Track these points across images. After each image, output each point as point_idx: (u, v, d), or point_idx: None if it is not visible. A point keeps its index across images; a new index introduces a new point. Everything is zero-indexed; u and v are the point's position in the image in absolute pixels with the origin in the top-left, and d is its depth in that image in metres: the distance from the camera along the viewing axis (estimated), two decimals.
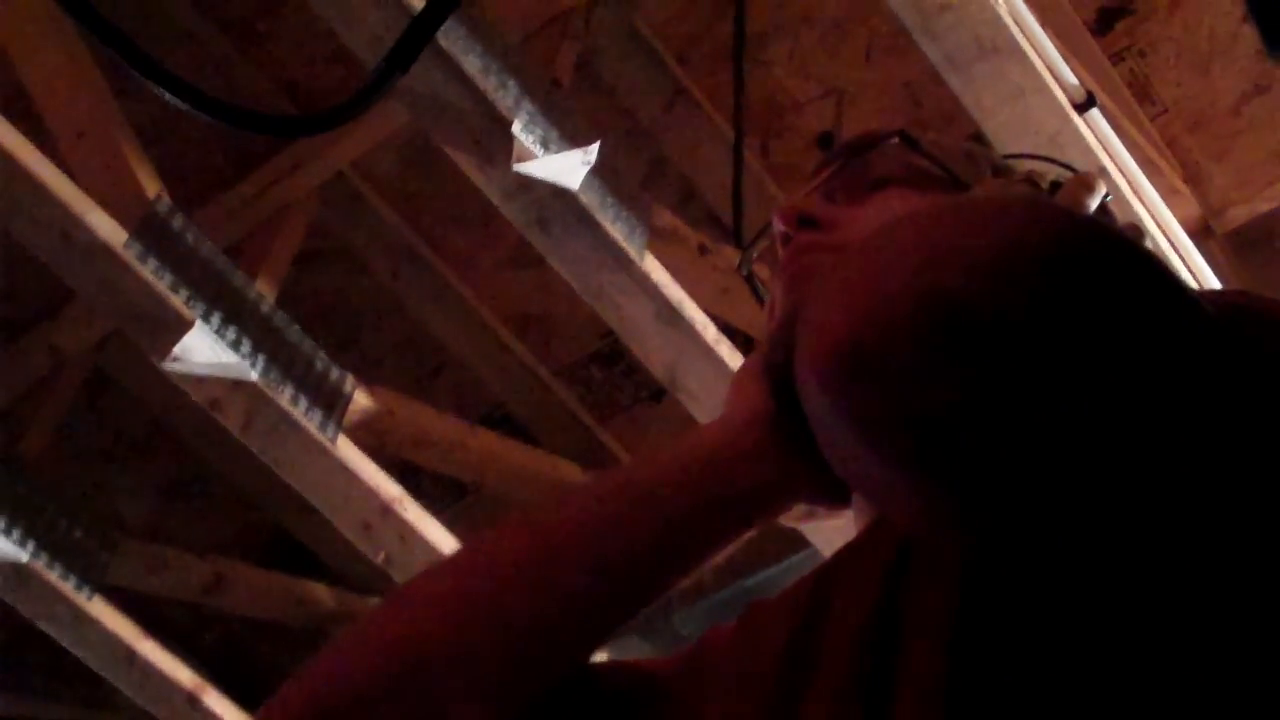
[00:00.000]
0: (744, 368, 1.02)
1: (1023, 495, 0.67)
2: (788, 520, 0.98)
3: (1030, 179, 1.12)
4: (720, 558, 0.94)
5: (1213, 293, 0.80)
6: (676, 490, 0.91)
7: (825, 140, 3.23)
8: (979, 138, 2.70)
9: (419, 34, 1.29)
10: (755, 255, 1.24)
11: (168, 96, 1.17)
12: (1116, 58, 3.08)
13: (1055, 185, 1.08)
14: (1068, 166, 1.23)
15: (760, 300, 1.22)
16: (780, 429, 0.92)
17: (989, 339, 0.65)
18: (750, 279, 1.24)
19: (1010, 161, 1.28)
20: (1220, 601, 0.68)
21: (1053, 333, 0.65)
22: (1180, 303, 0.69)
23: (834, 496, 0.95)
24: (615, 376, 3.65)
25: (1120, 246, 0.70)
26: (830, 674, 0.78)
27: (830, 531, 2.56)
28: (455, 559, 0.93)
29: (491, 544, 0.92)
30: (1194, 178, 3.22)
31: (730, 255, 2.67)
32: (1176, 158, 3.19)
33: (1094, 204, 1.02)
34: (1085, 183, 1.04)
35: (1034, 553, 0.70)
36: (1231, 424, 0.67)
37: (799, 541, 2.84)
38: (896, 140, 1.14)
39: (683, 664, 0.94)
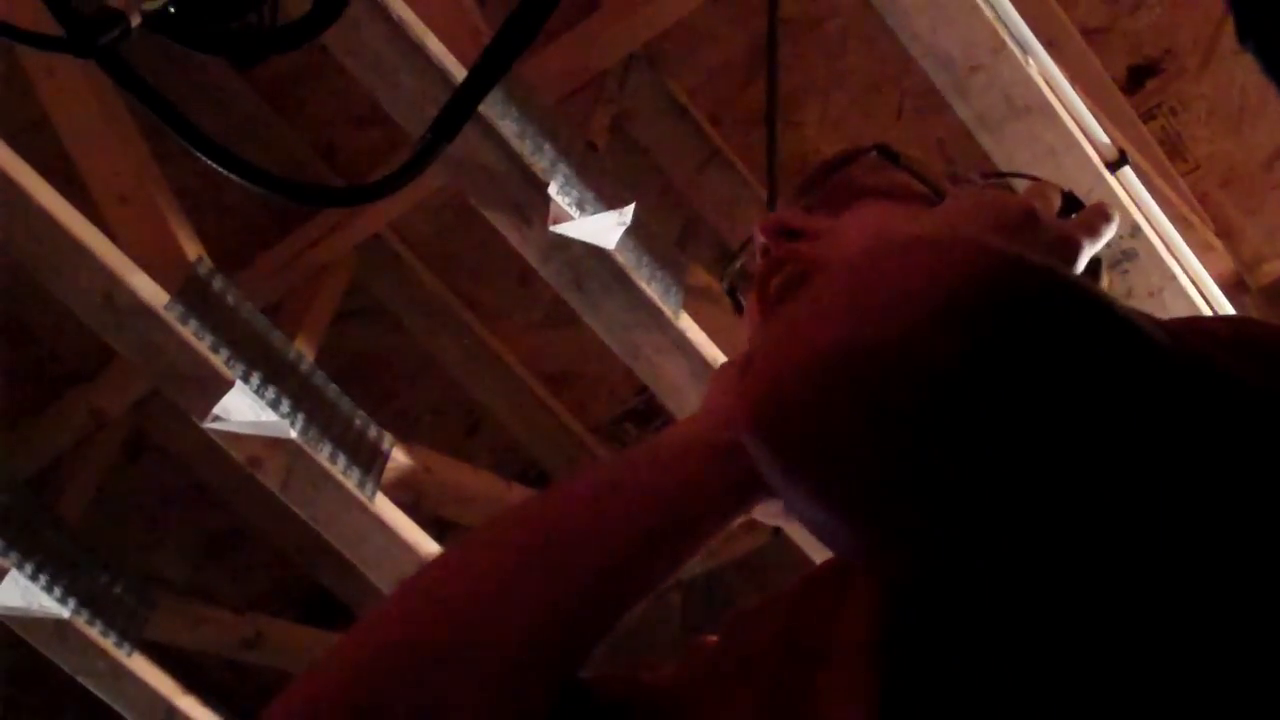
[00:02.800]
0: (723, 366, 1.03)
1: (944, 535, 0.68)
2: (766, 518, 0.98)
3: (1004, 186, 1.13)
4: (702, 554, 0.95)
5: (1196, 329, 0.80)
6: (652, 489, 0.91)
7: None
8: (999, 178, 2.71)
9: (464, 103, 1.31)
10: (738, 267, 1.25)
11: (221, 169, 1.20)
12: (1148, 115, 3.09)
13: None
14: (1032, 178, 1.22)
15: (739, 310, 1.22)
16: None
17: (909, 383, 0.66)
18: (732, 292, 1.25)
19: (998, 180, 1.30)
20: (1155, 625, 0.68)
21: (976, 373, 0.66)
22: (1114, 341, 0.69)
23: None
24: (650, 433, 3.66)
25: (1056, 283, 0.71)
26: (841, 670, 0.78)
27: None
28: (453, 554, 0.95)
29: (483, 541, 0.92)
30: (1227, 233, 3.22)
31: None
32: (1209, 213, 3.19)
33: (1056, 209, 1.04)
34: (1042, 192, 1.05)
35: (957, 579, 0.71)
36: (1160, 449, 0.67)
37: None
38: (874, 154, 1.15)
39: (673, 676, 0.94)
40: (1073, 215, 1.05)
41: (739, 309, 1.18)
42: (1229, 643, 0.67)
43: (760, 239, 1.09)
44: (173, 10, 1.05)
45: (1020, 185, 1.22)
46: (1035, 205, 0.98)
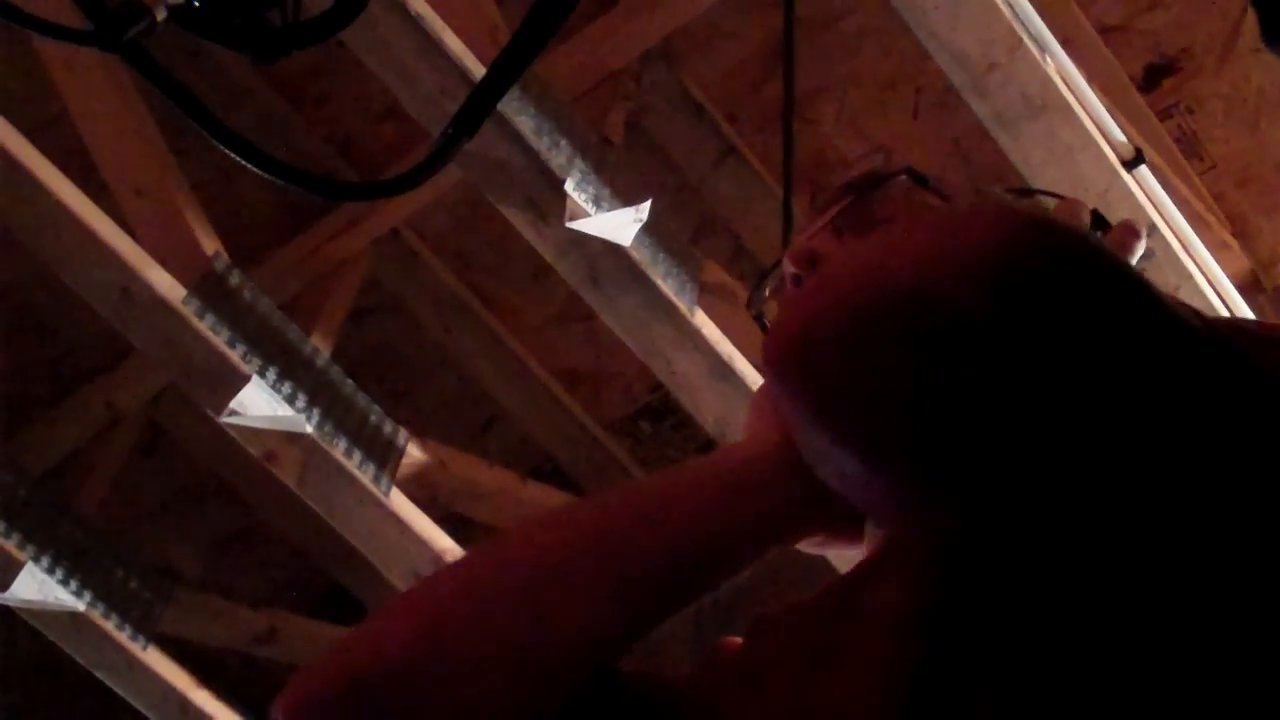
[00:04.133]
0: (761, 392, 1.03)
1: (975, 476, 0.68)
2: (805, 547, 0.98)
3: (1025, 201, 1.14)
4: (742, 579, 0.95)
5: (1224, 318, 0.83)
6: (692, 512, 0.91)
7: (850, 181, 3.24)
8: (1030, 192, 2.71)
9: (485, 98, 1.32)
10: (767, 294, 1.25)
11: (247, 163, 1.21)
12: (1164, 114, 3.09)
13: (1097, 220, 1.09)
14: (1060, 196, 1.23)
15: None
16: (794, 456, 0.91)
17: (941, 328, 0.67)
18: (759, 318, 1.25)
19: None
20: (1181, 594, 0.69)
21: (1005, 322, 0.67)
22: (1143, 301, 0.71)
23: (847, 526, 0.96)
24: (665, 430, 3.66)
25: (1085, 245, 0.72)
26: (866, 665, 0.78)
27: (851, 561, 2.57)
28: (483, 552, 0.95)
29: (517, 541, 0.93)
30: (1243, 232, 3.22)
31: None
32: (1225, 212, 3.19)
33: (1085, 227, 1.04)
34: (1072, 210, 1.06)
35: (994, 539, 0.71)
36: (1183, 411, 0.69)
37: None
38: (903, 177, 1.15)
39: (697, 673, 0.95)
40: (1100, 233, 1.06)
41: (766, 333, 1.18)
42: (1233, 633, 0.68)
43: (791, 268, 1.09)
44: (197, 4, 1.05)
45: (1047, 202, 1.22)
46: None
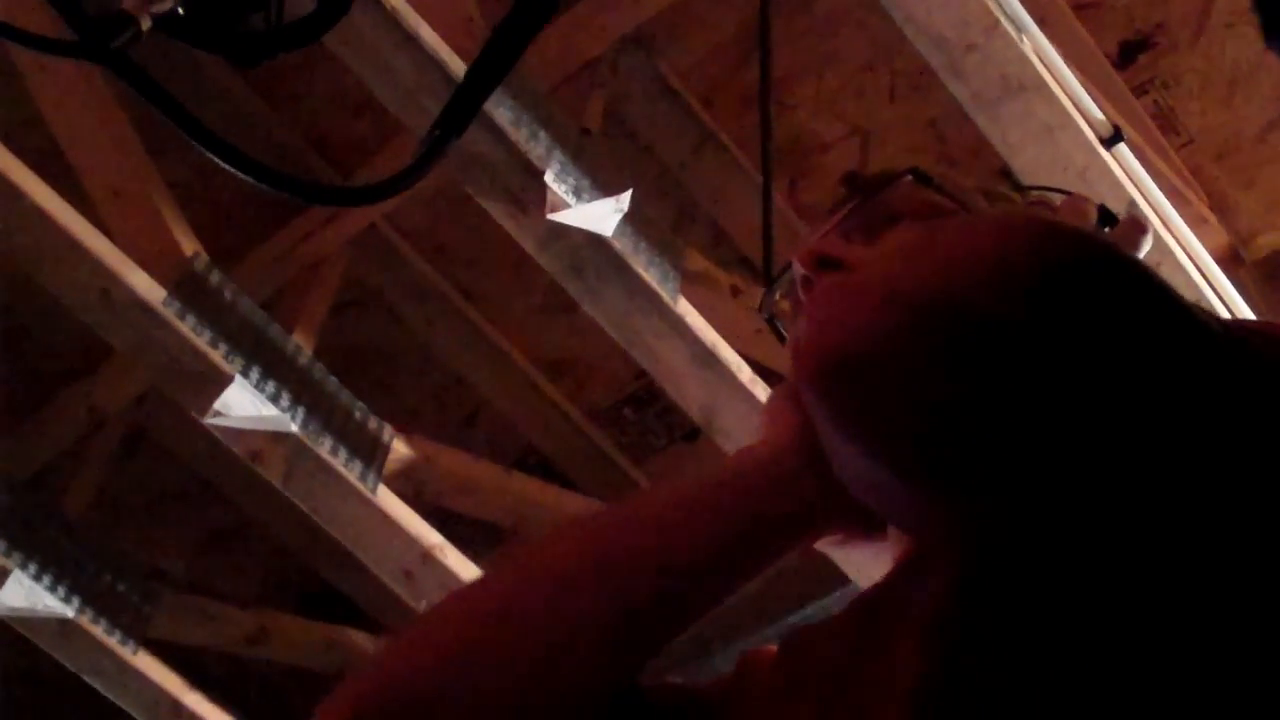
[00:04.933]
0: (775, 395, 1.03)
1: (1010, 486, 0.69)
2: (822, 547, 0.99)
3: (1041, 203, 1.14)
4: (754, 588, 0.95)
5: (1237, 320, 0.84)
6: (710, 517, 0.92)
7: (852, 179, 3.24)
8: (1005, 173, 2.72)
9: (472, 96, 1.31)
10: (777, 298, 1.25)
11: (237, 171, 1.20)
12: (1140, 90, 3.10)
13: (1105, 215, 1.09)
14: (1066, 193, 1.23)
15: (782, 340, 1.23)
16: (812, 456, 0.93)
17: (978, 342, 0.67)
18: (772, 321, 1.25)
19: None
20: (1211, 598, 0.69)
21: (1040, 334, 0.67)
22: (1170, 308, 0.72)
23: (866, 525, 0.96)
24: (649, 419, 3.66)
25: (1111, 254, 0.73)
26: (903, 677, 0.78)
27: (864, 561, 2.57)
28: (504, 568, 0.95)
29: (537, 557, 0.93)
30: (1221, 207, 3.23)
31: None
32: (1203, 187, 3.20)
33: (1092, 222, 1.05)
34: (1079, 206, 1.07)
35: (1026, 546, 0.71)
36: (1214, 417, 0.69)
37: (835, 581, 2.85)
38: (909, 178, 1.16)
39: (728, 685, 0.95)
40: (1107, 228, 1.06)
41: (781, 339, 1.19)
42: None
43: (800, 270, 1.09)
44: (181, 11, 1.04)
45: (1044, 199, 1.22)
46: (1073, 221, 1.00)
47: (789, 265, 1.16)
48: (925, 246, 0.77)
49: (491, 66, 1.28)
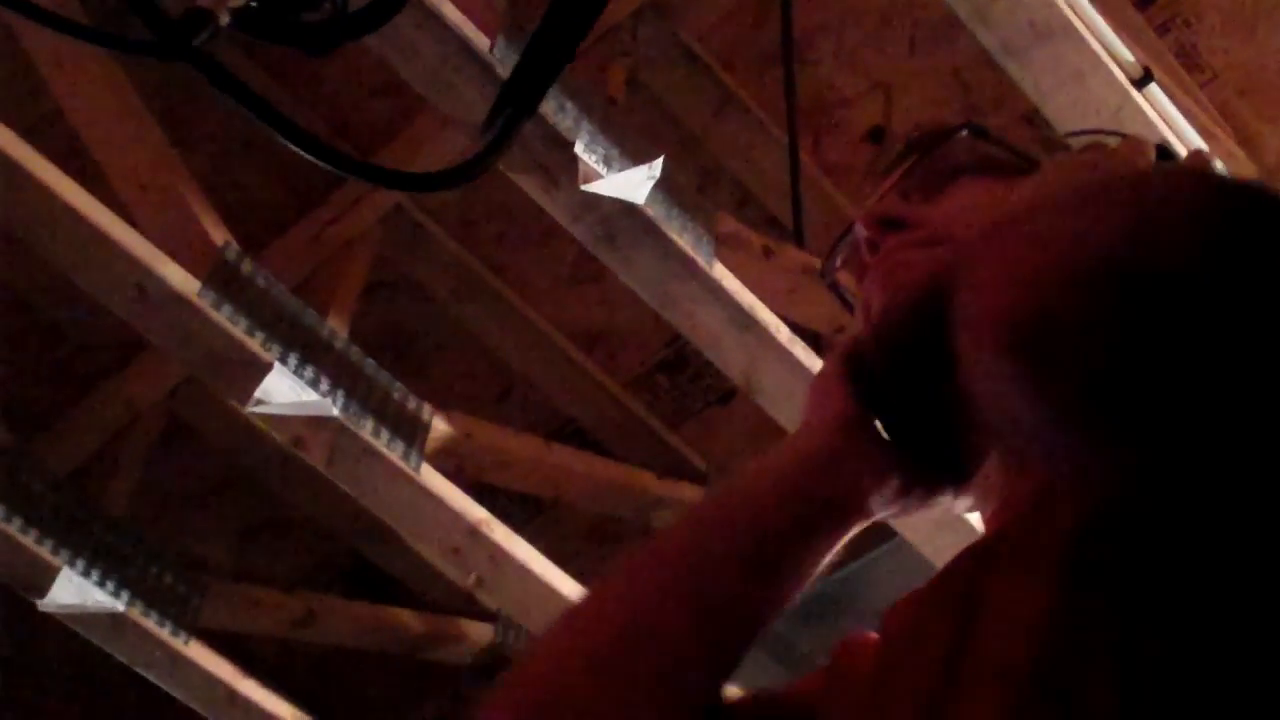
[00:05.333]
0: (821, 373, 1.04)
1: (1178, 435, 0.68)
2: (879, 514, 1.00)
3: (1096, 147, 1.13)
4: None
5: None
6: (775, 506, 0.93)
7: (876, 134, 3.23)
8: (1029, 119, 2.71)
9: (543, 71, 1.31)
10: (838, 263, 1.25)
11: (321, 162, 1.20)
12: (1162, 29, 3.08)
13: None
14: (1120, 135, 1.23)
15: (846, 306, 1.23)
16: (866, 429, 0.95)
17: (1160, 292, 0.67)
18: (835, 286, 1.25)
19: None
20: None
21: (1222, 283, 0.67)
22: None
23: (922, 490, 0.98)
24: (683, 383, 3.66)
25: (1260, 198, 0.72)
26: (1026, 613, 0.78)
27: (919, 522, 2.57)
28: (602, 590, 0.98)
29: (625, 575, 0.96)
30: (1247, 141, 3.21)
31: (793, 255, 2.68)
32: (1229, 122, 3.18)
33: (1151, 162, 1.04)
34: (1139, 148, 1.06)
35: (1177, 498, 0.71)
36: None
37: (879, 535, 2.84)
38: (965, 133, 1.15)
39: (825, 682, 0.95)
40: (1170, 163, 1.06)
41: (845, 304, 1.19)
42: None
43: (864, 233, 1.09)
44: (255, 5, 1.04)
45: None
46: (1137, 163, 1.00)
47: (849, 229, 1.16)
48: (1077, 206, 0.76)
49: (559, 38, 1.27)
